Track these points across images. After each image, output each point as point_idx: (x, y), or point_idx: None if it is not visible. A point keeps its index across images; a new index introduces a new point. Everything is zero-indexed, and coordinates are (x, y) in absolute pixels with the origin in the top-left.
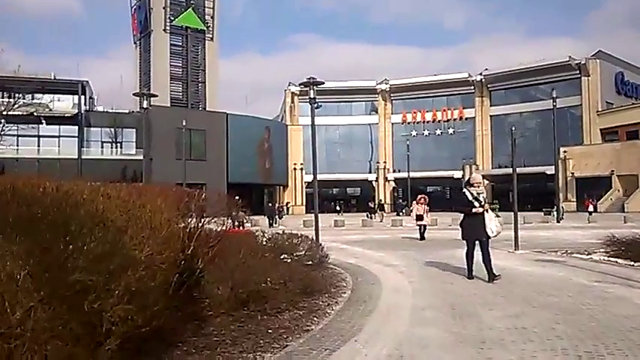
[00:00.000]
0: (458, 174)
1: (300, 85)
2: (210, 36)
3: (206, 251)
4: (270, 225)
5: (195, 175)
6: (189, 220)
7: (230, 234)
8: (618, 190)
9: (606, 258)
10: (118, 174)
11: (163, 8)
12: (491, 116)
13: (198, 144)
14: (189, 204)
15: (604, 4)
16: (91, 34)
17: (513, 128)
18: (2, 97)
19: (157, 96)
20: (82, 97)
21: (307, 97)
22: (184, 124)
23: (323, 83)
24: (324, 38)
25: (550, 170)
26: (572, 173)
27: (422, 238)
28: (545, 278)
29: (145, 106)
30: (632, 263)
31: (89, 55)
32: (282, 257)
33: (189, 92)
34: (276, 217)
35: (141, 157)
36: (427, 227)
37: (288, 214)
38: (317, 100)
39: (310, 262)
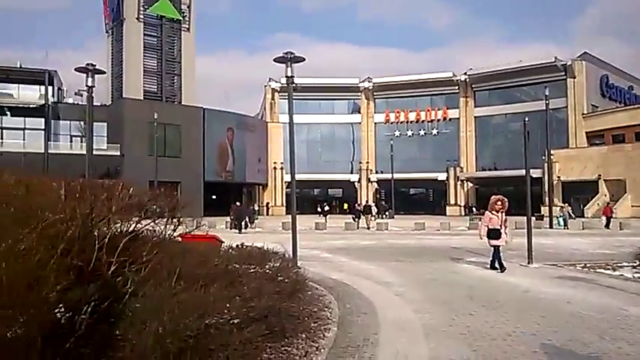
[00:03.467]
0: (442, 176)
1: (275, 60)
2: (187, 26)
3: (134, 268)
4: (239, 229)
5: (170, 173)
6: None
7: (187, 241)
8: (605, 195)
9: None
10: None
11: None
12: (475, 117)
13: (172, 140)
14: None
15: (588, 10)
16: (66, 25)
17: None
18: None
19: (104, 72)
20: (50, 87)
21: (287, 93)
22: (156, 117)
23: (302, 60)
24: (309, 38)
25: (536, 173)
26: (559, 177)
27: (501, 267)
28: (589, 307)
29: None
30: None
31: (64, 46)
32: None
33: (164, 85)
34: (246, 220)
35: (112, 153)
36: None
37: (258, 216)
38: (297, 97)
39: (282, 279)
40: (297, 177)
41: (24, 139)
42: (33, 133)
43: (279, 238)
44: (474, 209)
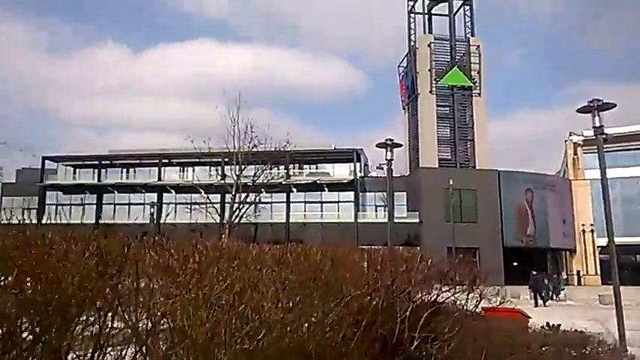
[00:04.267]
0: None
1: (579, 110)
2: (478, 92)
3: (437, 345)
4: (535, 302)
5: (467, 239)
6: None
7: (489, 315)
8: None
9: None
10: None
11: (429, 70)
12: None
13: (468, 205)
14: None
15: None
16: (366, 107)
17: None
18: (293, 168)
19: (401, 145)
20: (358, 164)
21: (593, 147)
22: (452, 183)
23: (613, 107)
24: (608, 82)
25: None
26: None
27: None
28: None
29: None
30: None
31: (368, 126)
32: None
33: (458, 152)
34: (549, 291)
35: (411, 220)
36: None
37: (565, 287)
38: (607, 149)
39: None
40: (615, 240)
41: (338, 211)
42: (344, 205)
43: (595, 315)
44: None
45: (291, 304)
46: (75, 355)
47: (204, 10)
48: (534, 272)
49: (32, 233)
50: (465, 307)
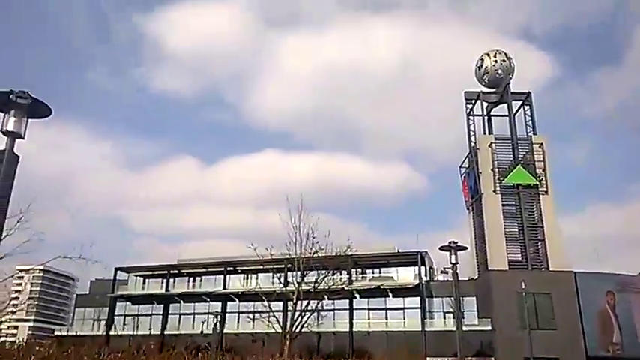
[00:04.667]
0: None
1: None
2: (544, 190)
3: None
4: None
5: (545, 348)
6: None
7: None
8: None
9: None
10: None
11: (491, 170)
12: None
13: (544, 310)
14: None
15: None
16: (429, 208)
17: None
18: (356, 273)
19: (466, 248)
20: (422, 267)
21: None
22: (524, 287)
23: None
24: None
25: None
26: None
27: None
28: None
29: (453, 261)
30: None
31: (430, 227)
32: None
33: (528, 252)
34: None
35: (483, 328)
36: None
37: None
38: None
39: None
40: None
41: (404, 318)
42: (410, 312)
43: None
44: None
45: None
46: None
47: (270, 125)
48: None
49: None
50: None
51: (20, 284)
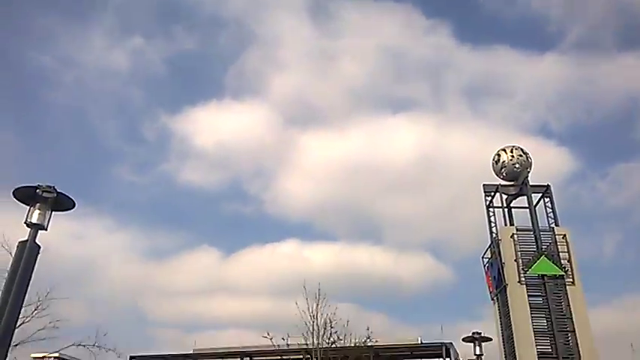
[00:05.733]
0: None
1: None
2: (571, 280)
3: None
4: None
5: None
6: None
7: None
8: None
9: None
10: None
11: (515, 260)
12: None
13: None
14: None
15: None
16: (453, 298)
17: None
18: None
19: (490, 339)
20: (447, 359)
21: None
22: None
23: None
24: None
25: None
26: None
27: None
28: None
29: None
30: None
31: (454, 317)
32: None
33: (557, 344)
34: None
35: None
36: None
37: None
38: None
39: None
40: None
41: None
42: None
43: None
44: None
45: None
46: None
47: (291, 216)
48: None
49: None
50: None
51: None
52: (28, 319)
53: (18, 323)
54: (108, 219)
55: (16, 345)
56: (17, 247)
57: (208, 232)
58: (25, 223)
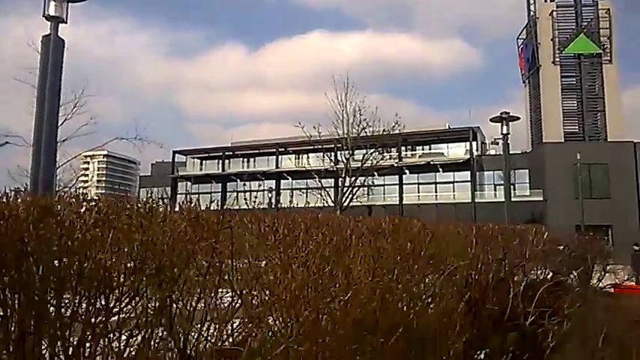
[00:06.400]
0: None
1: None
2: (608, 59)
3: (555, 321)
4: (636, 281)
5: (598, 216)
6: None
7: (618, 293)
8: None
9: None
10: (511, 217)
11: (551, 40)
12: None
13: (599, 180)
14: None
15: None
16: (484, 83)
17: None
18: (405, 150)
19: (518, 118)
20: (474, 143)
21: None
22: (579, 158)
23: None
24: None
25: None
26: None
27: None
28: None
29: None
30: None
31: (485, 102)
32: None
33: (585, 124)
34: None
35: (535, 199)
36: None
37: None
38: None
39: None
40: None
41: (453, 191)
42: (461, 186)
43: None
44: None
45: (384, 272)
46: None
47: (317, 2)
48: (636, 247)
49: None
50: (587, 285)
51: (87, 168)
52: (70, 115)
53: (60, 121)
54: (127, 18)
55: (64, 140)
56: (42, 42)
57: (231, 27)
58: (43, 16)
